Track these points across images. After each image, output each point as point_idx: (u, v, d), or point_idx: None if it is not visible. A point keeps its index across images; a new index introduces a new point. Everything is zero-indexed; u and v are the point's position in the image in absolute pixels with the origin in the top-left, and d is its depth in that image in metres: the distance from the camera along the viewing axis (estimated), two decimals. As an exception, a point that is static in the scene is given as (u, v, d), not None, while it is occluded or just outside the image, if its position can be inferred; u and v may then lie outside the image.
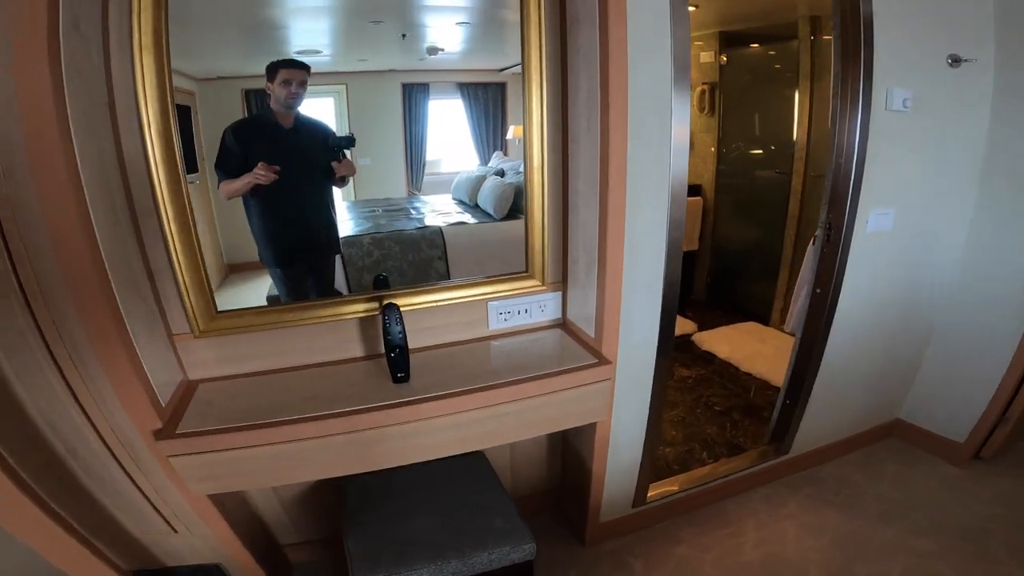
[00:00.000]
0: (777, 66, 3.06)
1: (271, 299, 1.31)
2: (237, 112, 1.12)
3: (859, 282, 1.79)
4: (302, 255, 1.38)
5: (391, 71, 1.18)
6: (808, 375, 1.96)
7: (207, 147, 1.07)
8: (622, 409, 1.56)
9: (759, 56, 3.19)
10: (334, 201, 1.31)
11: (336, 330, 1.38)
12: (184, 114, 0.97)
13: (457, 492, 1.41)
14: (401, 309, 1.28)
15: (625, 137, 1.19)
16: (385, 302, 1.24)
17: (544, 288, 1.52)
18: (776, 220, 3.10)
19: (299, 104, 1.18)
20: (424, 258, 1.42)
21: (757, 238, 3.33)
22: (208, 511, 1.22)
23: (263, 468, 1.16)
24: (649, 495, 1.88)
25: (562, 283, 1.56)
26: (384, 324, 1.22)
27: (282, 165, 1.17)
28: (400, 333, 1.23)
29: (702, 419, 2.42)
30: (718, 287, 3.67)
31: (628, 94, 1.16)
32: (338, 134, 1.23)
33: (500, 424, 1.31)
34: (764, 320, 3.22)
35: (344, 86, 1.15)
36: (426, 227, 1.42)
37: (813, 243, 1.95)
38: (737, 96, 3.31)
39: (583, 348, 1.43)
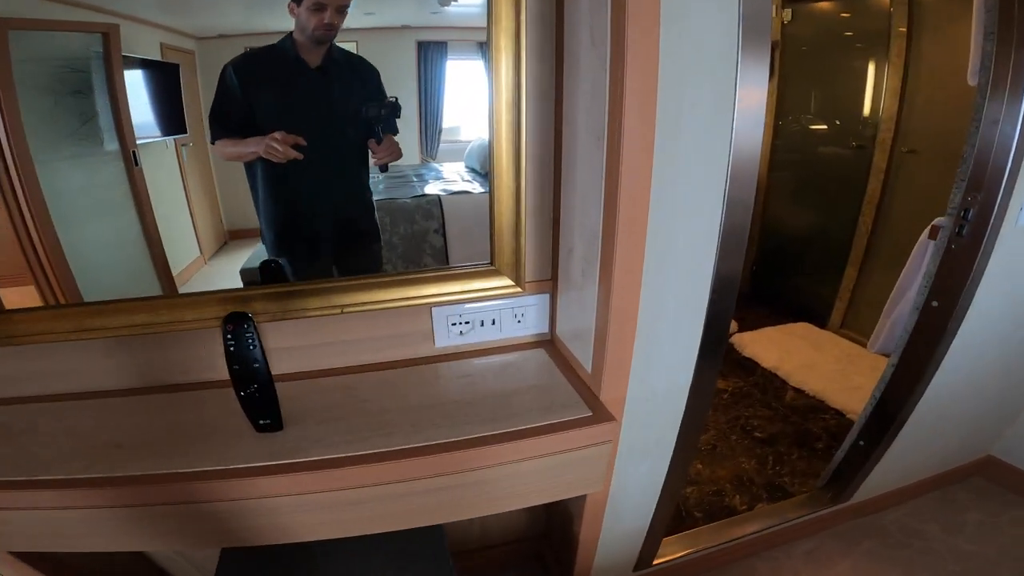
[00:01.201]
0: (853, 25, 2.46)
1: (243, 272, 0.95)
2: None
3: (998, 292, 1.23)
4: (323, 246, 0.99)
5: (404, 27, 0.97)
6: (902, 411, 1.44)
7: (207, 109, 0.83)
8: (628, 475, 1.07)
9: (831, 13, 2.54)
10: (369, 173, 0.96)
11: (187, 341, 0.92)
12: (171, 72, 0.80)
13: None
14: (305, 312, 0.84)
15: (654, 52, 0.66)
16: (230, 312, 0.75)
17: (518, 291, 1.01)
18: (845, 203, 2.50)
19: (332, 38, 0.83)
20: (418, 231, 1.09)
21: (818, 224, 2.73)
22: None
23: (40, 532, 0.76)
24: (658, 556, 1.43)
25: (551, 282, 1.05)
26: (227, 346, 0.75)
27: (303, 120, 0.85)
28: (257, 361, 0.76)
29: (737, 449, 1.92)
30: (765, 279, 3.07)
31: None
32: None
33: (437, 500, 0.84)
34: (821, 322, 2.65)
35: (354, 43, 0.88)
36: (423, 196, 1.04)
37: (929, 236, 1.38)
38: (801, 60, 2.68)
39: (573, 387, 0.94)
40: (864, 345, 2.42)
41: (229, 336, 0.75)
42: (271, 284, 0.94)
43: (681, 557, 1.49)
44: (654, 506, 1.22)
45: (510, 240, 0.96)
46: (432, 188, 1.02)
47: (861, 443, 1.56)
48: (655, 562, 1.45)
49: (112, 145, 0.71)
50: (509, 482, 0.86)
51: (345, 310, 0.95)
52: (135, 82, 0.73)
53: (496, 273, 0.99)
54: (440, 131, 0.97)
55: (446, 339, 1.05)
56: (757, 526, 1.60)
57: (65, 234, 0.75)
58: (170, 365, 0.96)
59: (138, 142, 0.74)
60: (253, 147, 0.82)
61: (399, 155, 0.93)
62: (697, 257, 0.87)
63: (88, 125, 0.68)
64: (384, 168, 0.93)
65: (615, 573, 1.39)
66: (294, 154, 0.83)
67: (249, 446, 0.80)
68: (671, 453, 1.09)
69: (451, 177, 1.03)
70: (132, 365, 0.94)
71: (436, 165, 1.02)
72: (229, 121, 0.81)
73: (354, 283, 0.95)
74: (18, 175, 0.66)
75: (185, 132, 0.77)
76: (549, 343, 1.10)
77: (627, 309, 0.83)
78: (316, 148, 0.85)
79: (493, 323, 1.05)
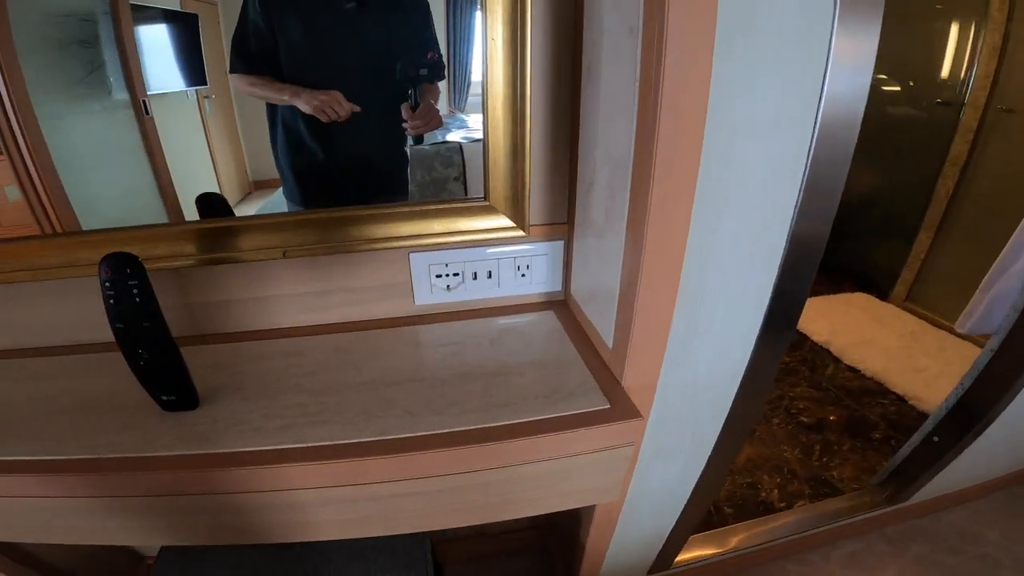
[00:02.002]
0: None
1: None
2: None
3: None
4: (347, 198, 0.80)
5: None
6: (995, 403, 1.19)
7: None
8: (651, 478, 0.84)
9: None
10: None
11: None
12: (190, 23, 0.70)
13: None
14: (240, 254, 0.66)
15: None
16: (109, 253, 0.53)
17: (520, 234, 0.76)
18: (920, 165, 2.17)
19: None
20: (437, 179, 0.90)
21: (885, 186, 2.37)
22: None
23: None
24: (679, 557, 1.24)
25: (566, 227, 0.80)
26: (106, 299, 0.53)
27: (334, 62, 0.72)
28: (149, 318, 0.55)
29: (779, 434, 1.67)
30: (818, 240, 2.72)
31: None
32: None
33: (407, 507, 0.63)
34: (882, 293, 2.32)
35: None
36: (443, 143, 0.86)
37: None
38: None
39: (588, 367, 0.70)
40: (933, 321, 2.11)
41: (108, 285, 0.54)
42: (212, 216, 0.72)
43: (703, 560, 1.30)
44: (680, 510, 1.00)
45: (506, 167, 0.71)
46: (454, 136, 0.82)
47: (935, 439, 1.32)
48: (675, 563, 1.25)
49: (121, 95, 0.66)
50: (491, 491, 0.64)
51: (288, 253, 0.72)
52: (151, 33, 0.68)
53: (490, 210, 0.74)
54: (469, 84, 0.82)
55: (428, 295, 0.81)
56: (796, 527, 1.38)
57: (72, 184, 0.68)
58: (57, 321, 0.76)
59: (155, 92, 0.69)
60: (290, 97, 0.70)
61: (438, 123, 0.76)
62: (770, 202, 0.60)
63: (95, 74, 0.65)
64: (419, 140, 0.76)
65: (629, 573, 1.19)
66: (345, 114, 0.70)
67: (148, 428, 0.60)
68: (709, 452, 0.86)
69: (475, 126, 0.82)
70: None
71: (463, 116, 0.87)
72: (250, 54, 0.68)
73: (298, 218, 0.72)
74: (18, 122, 0.60)
75: (205, 84, 0.72)
76: (561, 304, 0.85)
77: (666, 263, 0.57)
78: (350, 91, 0.71)
79: (489, 276, 0.81)
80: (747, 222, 0.60)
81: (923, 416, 1.71)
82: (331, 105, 0.69)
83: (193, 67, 0.74)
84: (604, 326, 0.69)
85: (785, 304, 0.68)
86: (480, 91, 0.71)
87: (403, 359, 0.72)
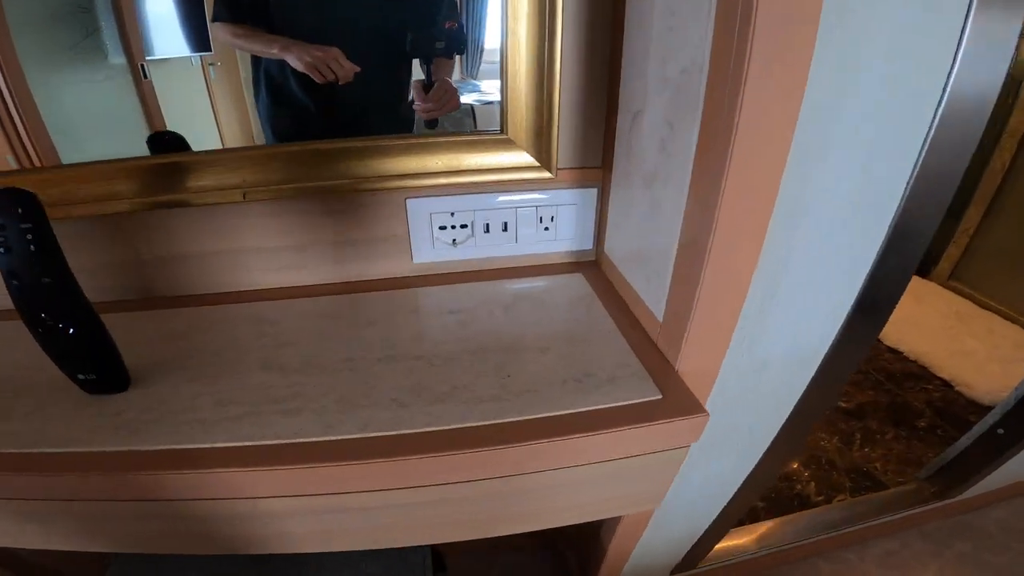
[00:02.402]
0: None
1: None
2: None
3: None
4: None
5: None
6: None
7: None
8: (691, 477, 0.70)
9: None
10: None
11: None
12: None
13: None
14: (192, 196, 0.53)
15: None
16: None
17: (545, 177, 0.61)
18: None
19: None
20: None
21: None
22: None
23: None
24: (705, 559, 1.12)
25: (600, 171, 0.64)
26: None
27: (335, 12, 0.59)
28: (50, 274, 0.40)
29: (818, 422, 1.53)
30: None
31: None
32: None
33: (397, 519, 0.49)
34: (923, 271, 2.15)
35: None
36: None
37: None
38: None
39: (629, 343, 0.55)
40: (979, 302, 1.95)
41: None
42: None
43: (731, 559, 1.17)
44: (720, 510, 0.86)
45: (529, 90, 0.55)
46: (465, 99, 0.69)
47: (1000, 431, 1.17)
48: (700, 564, 1.13)
49: (118, 59, 0.62)
50: (503, 503, 0.51)
51: (249, 194, 0.57)
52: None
53: (508, 144, 0.59)
54: (483, 51, 0.71)
55: (429, 251, 0.66)
56: (834, 524, 1.26)
57: (67, 151, 0.61)
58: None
59: (156, 57, 0.65)
60: (279, 50, 0.58)
61: (455, 106, 0.63)
62: (891, 145, 0.43)
63: (90, 39, 0.61)
64: (432, 124, 0.63)
65: (649, 572, 1.07)
66: (345, 76, 0.58)
67: (58, 416, 0.46)
68: (766, 447, 0.72)
69: (488, 91, 0.69)
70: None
71: (476, 82, 0.75)
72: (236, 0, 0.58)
73: (265, 152, 0.57)
74: (9, 90, 0.55)
75: (210, 50, 0.67)
76: (591, 266, 0.70)
77: (749, 216, 0.41)
78: (351, 50, 0.59)
79: (505, 229, 0.65)
80: (855, 169, 0.44)
81: (972, 404, 1.57)
82: (328, 63, 0.57)
83: (197, 33, 0.69)
84: (652, 294, 0.54)
85: (888, 277, 0.53)
86: (491, 60, 0.59)
87: (397, 330, 0.57)
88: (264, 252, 0.64)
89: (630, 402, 0.47)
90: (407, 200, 0.62)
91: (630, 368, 0.51)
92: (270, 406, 0.47)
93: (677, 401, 0.47)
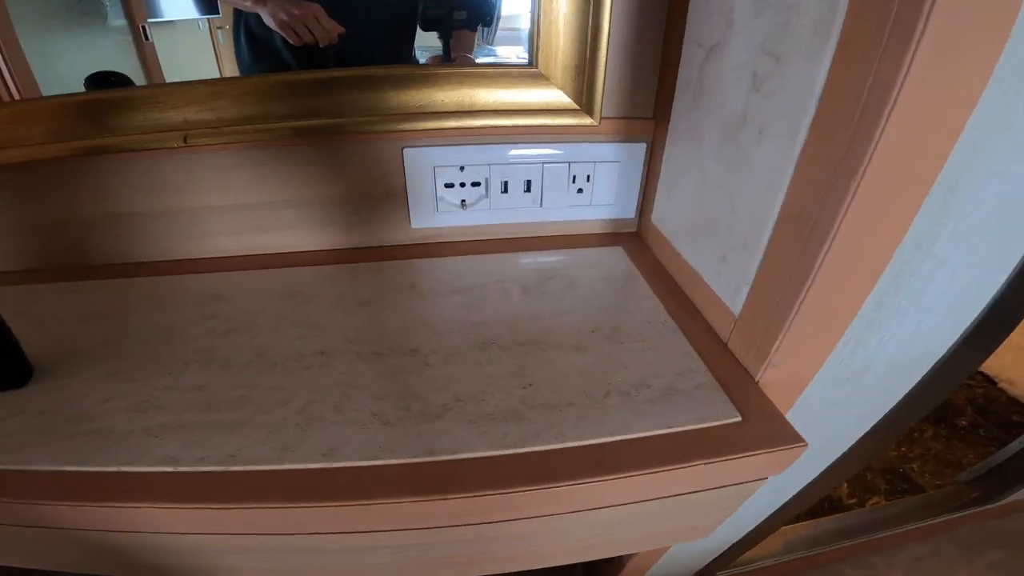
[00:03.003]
0: None
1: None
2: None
3: None
4: None
5: None
6: None
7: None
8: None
9: None
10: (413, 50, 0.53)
11: None
12: None
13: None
14: (120, 141, 0.41)
15: None
16: None
17: (586, 123, 0.47)
18: None
19: None
20: None
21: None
22: None
23: None
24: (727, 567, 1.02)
25: (651, 123, 0.50)
26: None
27: None
28: None
29: (844, 416, 1.41)
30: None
31: None
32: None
33: (370, 562, 0.37)
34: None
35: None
36: None
37: None
38: None
39: (693, 345, 0.41)
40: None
41: None
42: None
43: (752, 563, 1.07)
44: (756, 524, 0.75)
45: (572, 11, 0.41)
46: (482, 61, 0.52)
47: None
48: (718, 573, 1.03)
49: (118, 21, 0.57)
50: (517, 545, 0.38)
51: (189, 138, 0.43)
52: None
53: (539, 80, 0.44)
54: (499, 16, 0.62)
55: (431, 215, 0.53)
56: (866, 528, 1.16)
57: None
58: None
59: (162, 20, 0.59)
60: (252, 3, 0.48)
61: None
62: None
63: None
64: None
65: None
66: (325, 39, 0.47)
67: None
68: (831, 461, 0.59)
69: (505, 55, 0.53)
70: None
71: (491, 47, 0.61)
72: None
73: (214, 88, 0.43)
74: (1, 53, 0.48)
75: (218, 13, 0.61)
76: (632, 238, 0.56)
77: (906, 185, 0.27)
78: (334, 10, 0.48)
79: (527, 189, 0.52)
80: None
81: (1014, 402, 1.45)
82: (305, 21, 0.46)
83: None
84: (725, 278, 0.40)
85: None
86: (507, 27, 0.48)
87: (386, 314, 0.44)
88: (222, 212, 0.50)
89: (700, 426, 0.34)
90: (405, 149, 0.49)
91: (695, 377, 0.38)
92: (203, 415, 0.34)
93: (763, 426, 0.34)
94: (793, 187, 0.31)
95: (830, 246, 0.29)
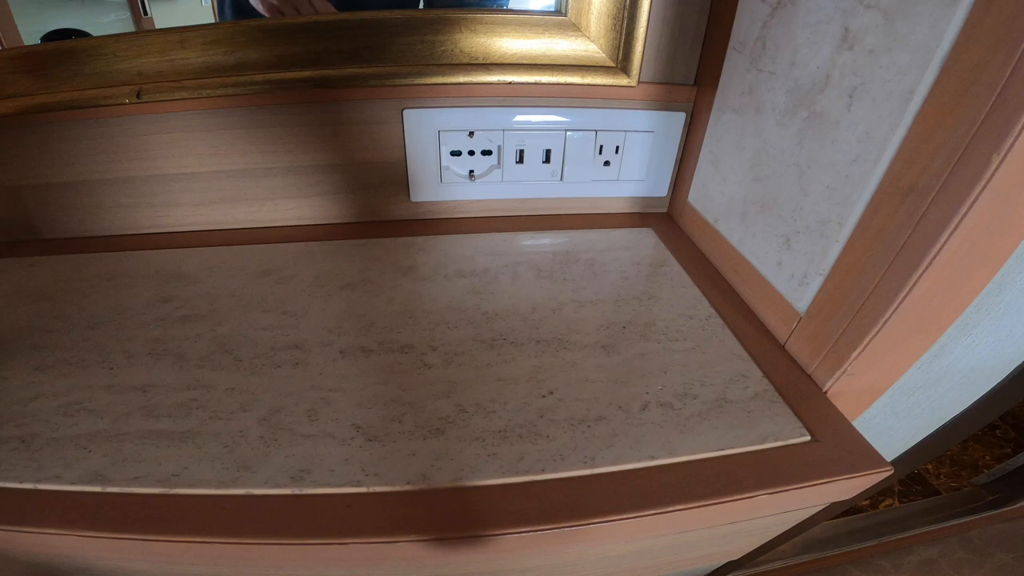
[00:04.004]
0: None
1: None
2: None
3: None
4: None
5: None
6: None
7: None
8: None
9: None
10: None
11: None
12: None
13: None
14: (63, 100, 0.34)
15: None
16: None
17: (622, 83, 0.39)
18: None
19: None
20: None
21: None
22: None
23: None
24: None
25: (693, 89, 0.43)
26: None
27: None
28: None
29: (859, 415, 1.36)
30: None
31: None
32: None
33: None
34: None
35: None
36: None
37: None
38: None
39: (742, 342, 0.34)
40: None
41: None
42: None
43: (762, 567, 1.03)
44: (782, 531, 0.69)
45: None
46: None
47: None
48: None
49: None
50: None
51: (143, 93, 0.36)
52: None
53: (568, 30, 0.37)
54: None
55: (435, 186, 0.45)
56: (878, 532, 1.12)
57: None
58: None
59: None
60: None
61: None
62: None
63: None
64: None
65: None
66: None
67: None
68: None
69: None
70: None
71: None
72: None
73: (181, 36, 0.36)
74: None
75: None
76: (664, 220, 0.49)
77: None
78: None
79: (546, 159, 0.44)
80: None
81: (1036, 404, 1.40)
82: (296, 5, 0.39)
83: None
84: (785, 268, 0.34)
85: None
86: None
87: (376, 301, 0.37)
88: (186, 180, 0.43)
89: (762, 447, 0.28)
90: (405, 111, 0.41)
91: (749, 385, 0.31)
92: (144, 422, 0.27)
93: (839, 447, 0.28)
94: (902, 157, 0.24)
95: (955, 228, 0.22)
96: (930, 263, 0.23)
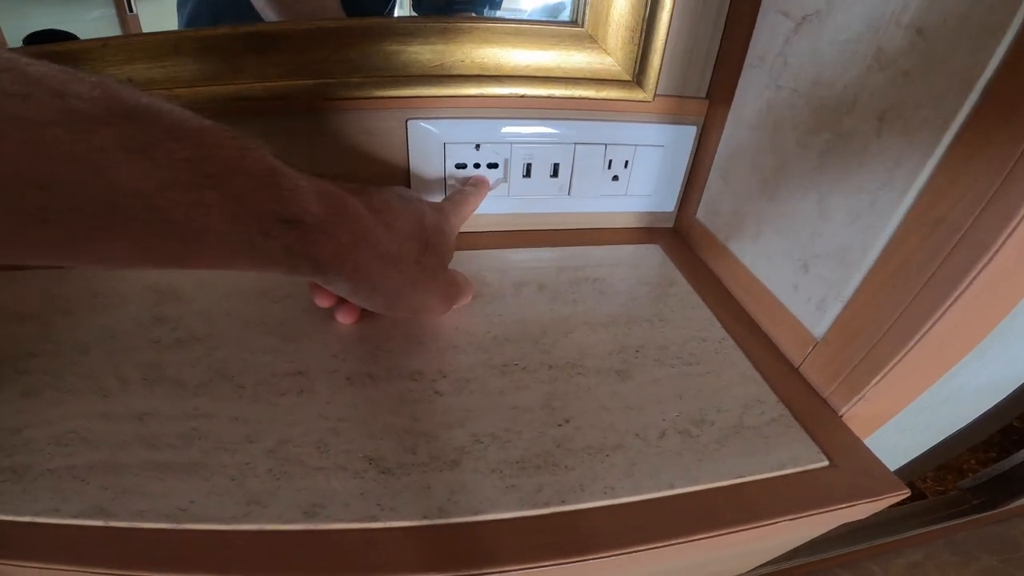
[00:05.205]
0: None
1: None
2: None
3: None
4: None
5: None
6: None
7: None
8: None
9: None
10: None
11: None
12: None
13: None
14: None
15: None
16: None
17: (638, 98, 0.39)
18: None
19: None
20: None
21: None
22: None
23: None
24: None
25: (706, 102, 0.42)
26: None
27: None
28: None
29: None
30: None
31: None
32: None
33: None
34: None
35: None
36: None
37: None
38: None
39: (760, 373, 0.34)
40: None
41: None
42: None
43: (752, 572, 1.04)
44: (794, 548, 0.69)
45: None
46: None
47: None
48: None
49: None
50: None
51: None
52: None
53: (584, 42, 0.36)
54: None
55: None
56: (866, 536, 1.14)
57: None
58: None
59: None
60: None
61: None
62: None
63: None
64: None
65: None
66: None
67: None
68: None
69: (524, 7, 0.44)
70: None
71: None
72: None
73: (178, 36, 0.35)
74: None
75: None
76: (670, 235, 0.49)
77: None
78: None
79: (554, 174, 0.44)
80: None
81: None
82: None
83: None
84: (802, 292, 0.33)
85: None
86: None
87: (381, 322, 0.36)
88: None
89: (781, 473, 0.27)
90: (409, 121, 0.40)
91: (764, 410, 0.31)
92: (146, 453, 0.26)
93: (856, 471, 0.28)
94: (933, 187, 0.24)
95: (986, 264, 0.22)
96: (957, 298, 0.23)
